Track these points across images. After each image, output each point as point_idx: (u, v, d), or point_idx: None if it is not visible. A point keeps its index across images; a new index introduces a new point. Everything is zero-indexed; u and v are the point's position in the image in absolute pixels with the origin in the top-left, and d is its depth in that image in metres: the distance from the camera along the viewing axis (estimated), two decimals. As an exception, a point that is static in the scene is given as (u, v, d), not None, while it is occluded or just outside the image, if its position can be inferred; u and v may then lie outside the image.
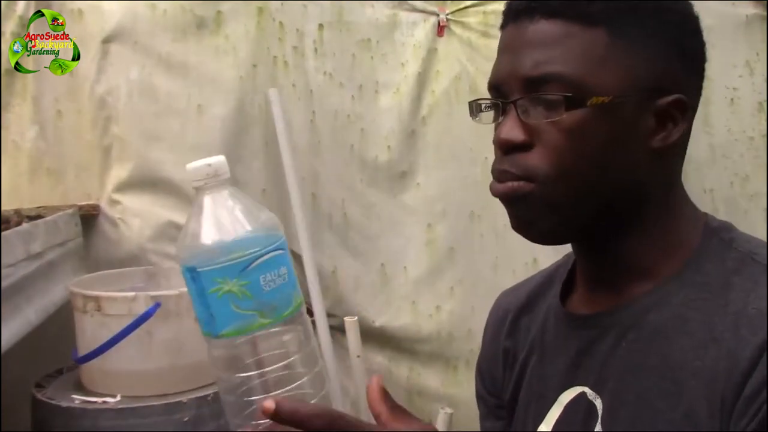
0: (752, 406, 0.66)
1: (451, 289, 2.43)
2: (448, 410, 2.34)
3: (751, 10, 2.61)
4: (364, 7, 2.36)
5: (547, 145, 0.75)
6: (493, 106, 0.81)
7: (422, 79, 2.41)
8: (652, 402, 0.73)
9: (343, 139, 2.33)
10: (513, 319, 0.94)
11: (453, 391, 2.42)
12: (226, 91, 2.17)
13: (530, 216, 0.78)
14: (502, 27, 0.82)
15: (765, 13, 2.62)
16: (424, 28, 2.41)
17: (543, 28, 0.76)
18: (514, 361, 0.92)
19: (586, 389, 0.80)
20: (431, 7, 2.43)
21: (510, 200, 0.79)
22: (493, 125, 0.83)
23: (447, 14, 2.43)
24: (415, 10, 2.41)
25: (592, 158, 0.75)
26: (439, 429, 2.32)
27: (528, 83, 0.76)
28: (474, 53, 2.44)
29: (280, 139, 2.17)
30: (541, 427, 0.84)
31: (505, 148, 0.77)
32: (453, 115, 2.44)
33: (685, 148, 0.81)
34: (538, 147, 0.75)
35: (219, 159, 0.65)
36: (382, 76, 2.38)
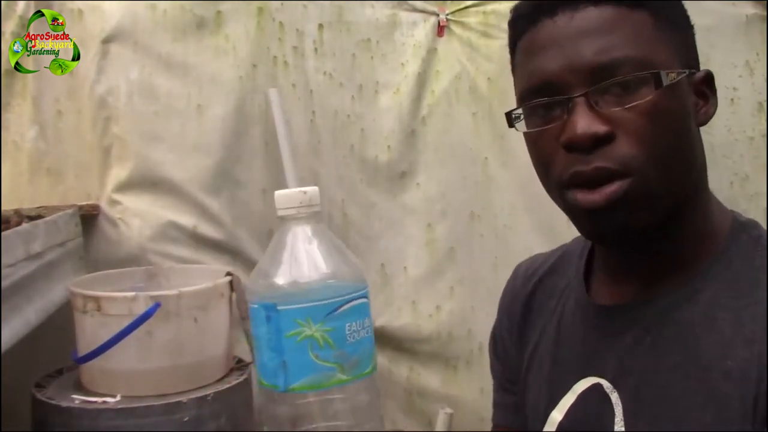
0: None
1: (451, 289, 2.43)
2: (448, 410, 2.34)
3: (751, 10, 2.60)
4: (364, 7, 2.36)
5: (632, 132, 0.71)
6: (546, 109, 0.76)
7: (422, 79, 2.41)
8: (678, 401, 0.71)
9: (343, 139, 2.33)
10: (529, 293, 0.93)
11: (453, 391, 2.42)
12: (226, 91, 2.17)
13: (629, 216, 0.73)
14: (531, 23, 0.77)
15: (765, 13, 2.62)
16: (424, 28, 2.41)
17: (593, 15, 0.73)
18: (528, 335, 0.91)
19: (602, 381, 0.78)
20: (431, 7, 2.43)
21: (611, 207, 0.73)
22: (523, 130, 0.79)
23: (447, 14, 2.43)
24: (415, 10, 2.41)
25: (673, 138, 0.73)
26: (439, 429, 2.32)
27: (595, 72, 0.72)
28: (474, 53, 2.44)
29: (280, 139, 2.17)
30: (554, 413, 0.82)
31: (587, 144, 0.72)
32: (453, 115, 2.44)
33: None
34: (621, 135, 0.72)
35: (314, 189, 0.60)
36: (382, 76, 2.38)
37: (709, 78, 0.77)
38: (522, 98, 0.79)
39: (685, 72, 0.74)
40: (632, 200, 0.72)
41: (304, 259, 0.58)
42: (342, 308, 0.56)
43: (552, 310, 0.88)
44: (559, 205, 0.79)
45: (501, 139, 2.45)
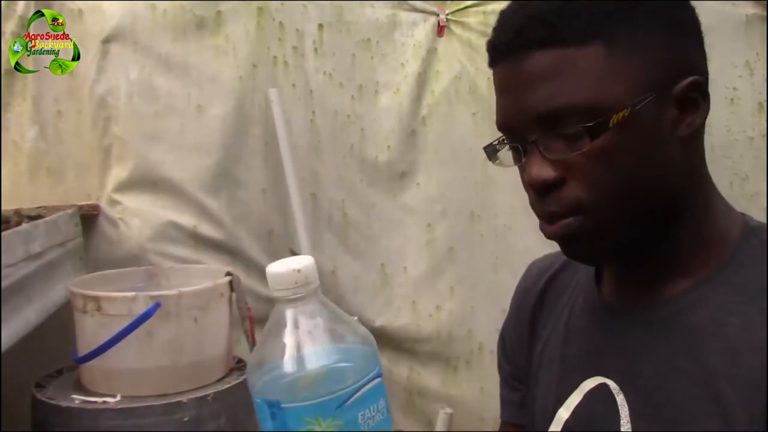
0: None
1: (451, 289, 2.43)
2: (448, 410, 2.34)
3: (751, 10, 2.61)
4: (364, 7, 2.36)
5: (583, 176, 0.73)
6: (512, 148, 0.79)
7: (422, 79, 2.41)
8: (684, 407, 0.71)
9: (343, 139, 2.33)
10: (541, 290, 0.93)
11: (453, 391, 2.42)
12: (226, 91, 2.17)
13: (589, 247, 0.76)
14: (493, 64, 0.79)
15: (765, 13, 2.62)
16: (424, 28, 2.42)
17: (539, 59, 0.73)
18: (538, 333, 0.91)
19: (609, 382, 0.78)
20: (431, 7, 2.43)
21: (567, 239, 0.76)
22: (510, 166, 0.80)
23: (447, 14, 2.43)
24: (415, 10, 2.41)
25: (630, 174, 0.73)
26: (439, 429, 2.33)
27: (542, 120, 0.73)
28: (474, 53, 2.44)
29: (280, 139, 2.17)
30: (561, 411, 0.82)
31: (539, 190, 0.74)
32: (453, 115, 2.44)
33: (704, 128, 0.78)
34: (573, 179, 0.73)
35: (308, 262, 0.53)
36: (382, 76, 2.38)
37: (695, 84, 0.74)
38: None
39: (647, 97, 0.72)
40: (587, 233, 0.74)
41: (305, 348, 0.51)
42: (353, 397, 0.51)
43: (562, 307, 0.88)
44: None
45: (501, 139, 2.45)
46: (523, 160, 0.76)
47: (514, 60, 0.75)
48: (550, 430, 0.83)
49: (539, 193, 0.75)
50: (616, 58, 0.72)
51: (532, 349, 0.92)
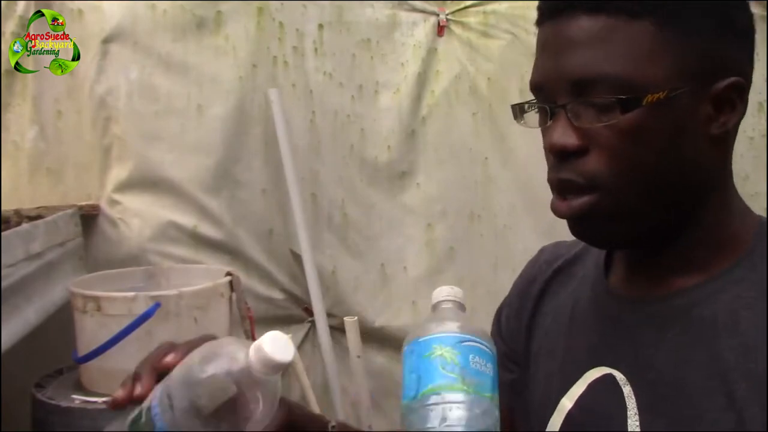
0: None
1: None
2: (448, 410, 2.34)
3: (752, 10, 2.61)
4: (364, 7, 2.36)
5: (605, 149, 0.71)
6: (540, 110, 0.76)
7: (422, 79, 2.41)
8: (697, 400, 0.70)
9: (343, 139, 2.33)
10: (548, 278, 0.92)
11: (453, 391, 2.42)
12: (226, 91, 2.17)
13: (601, 229, 0.75)
14: (539, 23, 0.77)
15: (765, 13, 2.62)
16: (424, 28, 2.42)
17: (585, 24, 0.71)
18: (540, 321, 0.90)
19: (615, 373, 0.78)
20: (431, 7, 2.43)
21: (580, 218, 0.75)
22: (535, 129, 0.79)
23: (447, 14, 2.43)
24: (415, 10, 2.41)
25: (654, 157, 0.72)
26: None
27: (576, 86, 0.72)
28: (474, 53, 2.44)
29: (280, 139, 2.17)
30: (564, 400, 0.82)
31: (559, 155, 0.73)
32: (453, 115, 2.44)
33: (736, 130, 0.77)
34: (594, 151, 0.72)
35: (459, 291, 0.74)
36: (382, 76, 2.38)
37: (736, 85, 0.73)
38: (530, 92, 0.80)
39: (685, 87, 0.71)
40: (598, 216, 0.73)
41: (448, 319, 0.70)
42: (468, 342, 0.67)
43: (566, 297, 0.87)
44: None
45: (501, 139, 2.45)
46: (549, 123, 0.74)
47: (561, 20, 0.73)
48: (552, 419, 0.83)
49: (558, 159, 0.73)
50: (662, 39, 0.71)
51: (530, 338, 0.91)
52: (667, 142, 0.72)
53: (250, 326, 1.84)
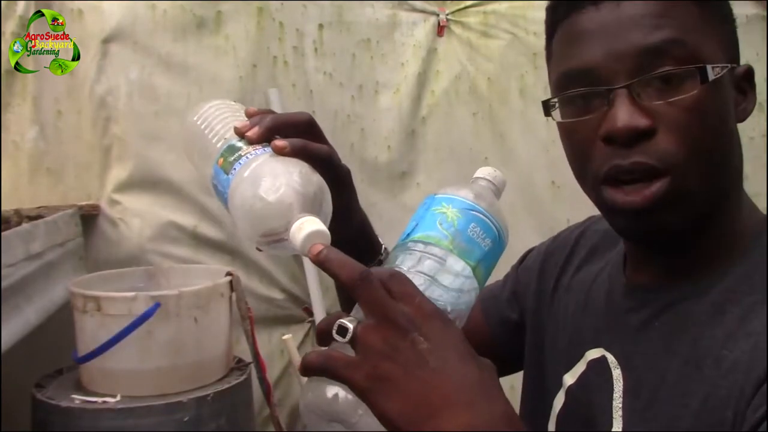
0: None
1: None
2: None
3: (751, 10, 2.60)
4: (364, 7, 2.36)
5: (676, 127, 0.69)
6: (590, 96, 0.72)
7: (422, 79, 2.41)
8: (673, 386, 0.71)
9: (343, 139, 2.33)
10: (574, 267, 0.92)
11: (453, 391, 2.42)
12: (226, 91, 2.17)
13: (669, 218, 0.71)
14: (573, 9, 0.74)
15: (765, 13, 2.62)
16: (424, 28, 2.41)
17: (640, 4, 0.70)
18: (563, 289, 0.91)
19: (608, 355, 0.79)
20: (431, 7, 2.43)
21: (650, 208, 0.71)
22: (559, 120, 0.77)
23: (447, 14, 2.43)
24: (415, 10, 2.41)
25: (718, 137, 0.71)
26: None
27: (640, 63, 0.69)
28: (474, 53, 2.44)
29: (280, 139, 2.16)
30: (566, 376, 0.84)
31: (629, 138, 0.69)
32: (453, 115, 2.44)
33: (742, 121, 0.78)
34: (662, 130, 0.69)
35: (501, 176, 0.75)
36: (382, 76, 2.38)
37: (749, 73, 0.74)
38: (558, 86, 0.75)
39: (728, 66, 0.71)
40: (671, 201, 0.70)
41: (472, 190, 0.72)
42: (475, 212, 0.69)
43: (592, 275, 0.88)
44: (593, 200, 0.77)
45: (501, 139, 2.45)
46: (605, 108, 0.71)
47: (610, 2, 0.72)
48: (558, 395, 0.85)
49: (626, 143, 0.70)
50: (704, 21, 0.71)
51: (552, 302, 0.92)
52: (723, 120, 0.72)
53: (250, 326, 1.84)
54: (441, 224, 0.69)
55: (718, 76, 0.70)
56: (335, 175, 0.80)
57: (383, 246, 0.89)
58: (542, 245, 1.01)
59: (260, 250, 0.69)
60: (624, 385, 0.76)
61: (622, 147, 0.70)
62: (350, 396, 0.59)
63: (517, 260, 1.03)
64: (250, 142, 0.73)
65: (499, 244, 0.71)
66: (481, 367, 0.58)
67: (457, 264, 0.67)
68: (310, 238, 0.62)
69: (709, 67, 0.69)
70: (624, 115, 0.69)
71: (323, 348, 0.60)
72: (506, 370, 1.02)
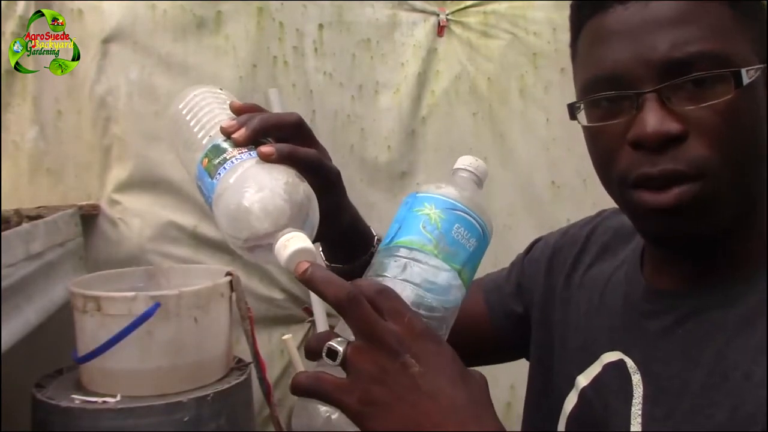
0: None
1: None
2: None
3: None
4: (364, 7, 2.36)
5: (707, 131, 0.67)
6: (618, 99, 0.70)
7: (422, 79, 2.41)
8: (696, 396, 0.70)
9: (343, 139, 2.33)
10: (586, 264, 0.90)
11: (453, 391, 2.42)
12: (226, 91, 2.17)
13: (697, 221, 0.69)
14: (600, 8, 0.73)
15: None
16: (424, 28, 2.41)
17: (668, 4, 0.68)
18: (575, 286, 0.89)
19: (627, 360, 0.77)
20: (431, 7, 2.43)
21: (678, 210, 0.69)
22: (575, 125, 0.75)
23: (447, 14, 2.43)
24: (415, 10, 2.41)
25: (752, 140, 0.69)
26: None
27: (670, 66, 0.67)
28: (474, 53, 2.44)
29: (280, 139, 2.16)
30: (580, 378, 0.82)
31: (659, 143, 0.67)
32: (453, 115, 2.44)
33: None
34: (694, 135, 0.67)
35: (482, 165, 0.73)
36: (382, 76, 2.38)
37: None
38: (584, 89, 0.74)
39: (762, 67, 0.69)
40: (702, 204, 0.68)
41: (454, 185, 0.71)
42: (460, 212, 0.68)
43: (606, 273, 0.86)
44: (618, 203, 0.76)
45: (501, 139, 2.45)
46: (634, 112, 0.69)
47: (638, 2, 0.69)
48: (570, 395, 0.83)
49: (655, 149, 0.68)
50: (737, 22, 0.69)
51: (559, 302, 0.90)
52: (757, 123, 0.70)
53: (250, 326, 1.84)
54: (425, 227, 0.67)
55: (753, 78, 0.68)
56: (324, 179, 0.77)
57: (376, 237, 0.88)
58: (551, 237, 0.99)
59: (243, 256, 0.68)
60: (644, 392, 0.74)
61: (651, 152, 0.68)
62: (342, 418, 0.58)
63: (524, 250, 1.03)
64: (237, 144, 0.71)
65: (483, 241, 0.71)
66: (471, 386, 0.58)
67: (443, 269, 0.65)
68: (295, 256, 0.62)
69: (743, 71, 0.67)
70: (654, 120, 0.67)
71: (312, 370, 0.60)
72: (507, 359, 1.02)
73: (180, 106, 0.80)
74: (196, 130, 0.75)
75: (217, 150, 0.71)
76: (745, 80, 0.67)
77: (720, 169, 0.68)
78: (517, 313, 0.97)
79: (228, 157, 0.70)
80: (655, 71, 0.68)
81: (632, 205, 0.72)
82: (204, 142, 0.73)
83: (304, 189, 0.68)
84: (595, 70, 0.72)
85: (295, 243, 0.62)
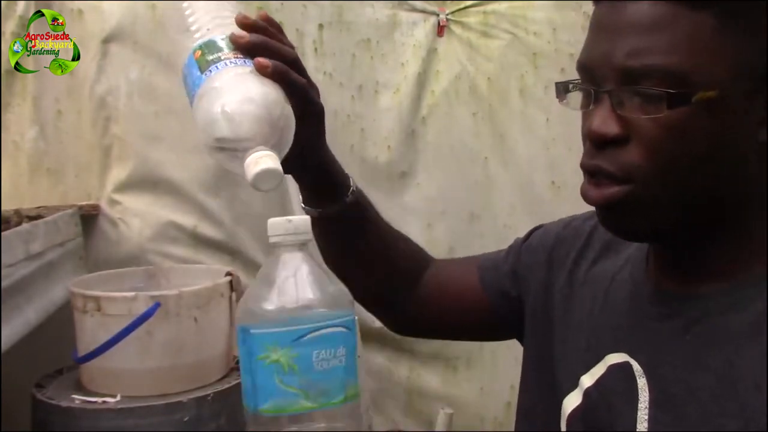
0: None
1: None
2: (448, 410, 2.34)
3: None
4: (364, 7, 2.36)
5: (646, 141, 0.69)
6: (584, 92, 0.74)
7: (422, 79, 2.41)
8: (706, 404, 0.70)
9: (343, 139, 2.33)
10: (589, 261, 0.90)
11: (453, 391, 2.42)
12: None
13: (627, 220, 0.73)
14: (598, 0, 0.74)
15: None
16: (424, 28, 2.41)
17: (645, 8, 0.69)
18: (578, 284, 0.89)
19: (633, 362, 0.77)
20: (431, 7, 2.43)
21: (608, 207, 0.73)
22: (577, 111, 0.77)
23: (447, 14, 2.43)
24: (415, 10, 2.41)
25: (695, 156, 0.69)
26: (439, 429, 2.32)
27: (625, 73, 0.69)
28: (474, 53, 2.44)
29: (280, 139, 2.16)
30: (584, 378, 0.82)
31: (597, 142, 0.71)
32: (453, 115, 2.44)
33: None
34: (634, 142, 0.70)
35: (301, 218, 0.63)
36: (382, 76, 2.38)
37: None
38: (577, 71, 0.77)
39: (737, 88, 0.68)
40: (629, 207, 0.71)
41: (282, 286, 0.60)
42: (310, 335, 0.57)
43: (609, 271, 0.86)
44: None
45: (501, 139, 2.45)
46: (591, 107, 0.72)
47: (622, 2, 0.70)
48: (572, 394, 0.83)
49: (596, 146, 0.71)
50: (722, 34, 0.68)
51: (561, 297, 0.90)
52: (710, 142, 0.69)
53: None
54: (282, 381, 0.57)
55: (714, 99, 0.67)
56: (308, 109, 0.80)
57: (351, 188, 0.89)
58: (551, 227, 0.99)
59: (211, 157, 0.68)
60: (650, 396, 0.74)
61: (593, 148, 0.72)
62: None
63: (523, 236, 1.03)
64: (236, 47, 0.72)
65: (351, 334, 0.60)
66: None
67: (333, 415, 0.57)
68: (262, 175, 0.61)
69: (688, 92, 0.67)
70: (598, 119, 0.70)
71: None
72: (498, 337, 1.02)
73: (184, 5, 0.79)
74: (192, 20, 0.75)
75: (213, 46, 0.71)
76: (694, 100, 0.67)
77: (650, 177, 0.70)
78: (513, 296, 0.98)
79: (223, 57, 0.70)
80: (613, 74, 0.70)
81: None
82: (199, 34, 0.73)
83: (286, 110, 0.68)
84: (580, 56, 0.75)
85: (265, 162, 0.61)
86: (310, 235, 0.63)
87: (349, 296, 0.62)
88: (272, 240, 0.62)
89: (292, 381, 0.57)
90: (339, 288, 0.62)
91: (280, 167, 0.63)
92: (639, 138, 0.69)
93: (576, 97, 0.76)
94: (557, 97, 0.78)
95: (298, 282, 0.60)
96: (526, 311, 0.96)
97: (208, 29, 0.73)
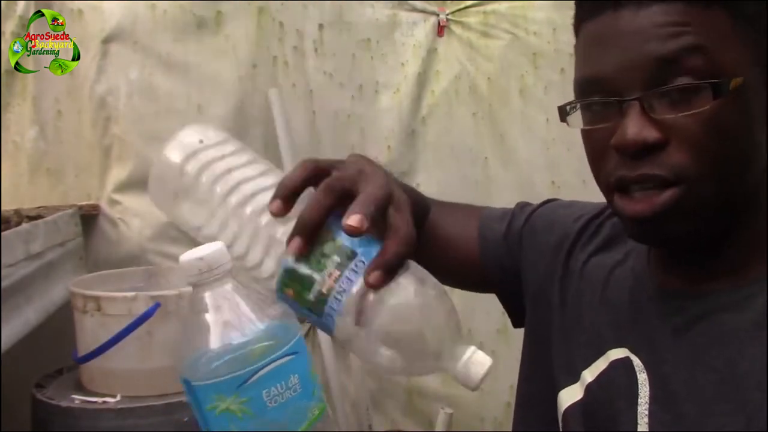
0: None
1: (451, 289, 2.43)
2: (448, 410, 2.34)
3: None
4: (364, 7, 2.36)
5: (689, 140, 0.68)
6: (598, 106, 0.72)
7: (422, 79, 2.41)
8: (708, 403, 0.70)
9: (343, 139, 2.33)
10: (587, 253, 0.89)
11: (453, 391, 2.42)
12: (226, 91, 2.17)
13: (672, 227, 0.70)
14: (594, 11, 0.73)
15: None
16: (424, 28, 2.42)
17: (659, 12, 0.68)
18: (574, 274, 0.89)
19: (634, 358, 0.77)
20: (431, 7, 2.43)
21: (655, 216, 0.69)
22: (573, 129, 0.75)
23: (447, 14, 2.43)
24: (415, 10, 2.41)
25: (735, 148, 0.69)
26: (439, 429, 2.32)
27: (653, 74, 0.68)
28: (474, 53, 2.44)
29: (280, 139, 2.17)
30: (585, 373, 0.82)
31: (638, 150, 0.68)
32: (453, 115, 2.44)
33: None
34: (674, 143, 0.68)
35: (215, 249, 0.55)
36: (382, 76, 2.38)
37: None
38: (576, 91, 0.75)
39: (757, 74, 0.69)
40: (683, 210, 0.69)
41: (208, 328, 0.54)
42: (257, 375, 0.52)
43: (608, 266, 0.86)
44: (609, 204, 0.77)
45: (501, 139, 2.45)
46: (618, 118, 0.70)
47: (629, 9, 0.70)
48: (573, 387, 0.83)
49: (632, 155, 0.69)
50: (735, 25, 0.69)
51: (560, 287, 0.90)
52: (743, 130, 0.69)
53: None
54: (239, 428, 0.53)
55: (739, 87, 0.68)
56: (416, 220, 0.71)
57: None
58: (560, 214, 1.00)
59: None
60: (650, 392, 0.74)
61: (630, 159, 0.69)
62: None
63: (531, 209, 1.03)
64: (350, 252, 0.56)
65: (299, 347, 0.55)
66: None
67: None
68: (485, 372, 0.58)
69: (725, 81, 0.67)
70: (633, 127, 0.68)
71: None
72: (486, 288, 1.04)
73: (187, 168, 0.63)
74: (218, 202, 0.61)
75: (299, 279, 0.56)
76: (727, 90, 0.67)
77: (699, 175, 0.68)
78: (506, 264, 1.00)
79: (326, 292, 0.55)
80: (638, 79, 0.69)
81: (615, 210, 0.74)
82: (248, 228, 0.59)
83: (446, 302, 0.60)
84: (585, 73, 0.73)
85: (484, 359, 0.59)
86: (229, 262, 0.55)
87: (291, 316, 0.56)
88: (190, 281, 0.55)
89: (248, 426, 0.53)
90: (277, 311, 0.56)
91: (488, 358, 0.59)
92: (680, 138, 0.68)
93: (578, 117, 0.74)
94: (562, 120, 0.76)
95: (233, 321, 0.54)
96: (525, 290, 0.96)
97: (257, 223, 0.59)
